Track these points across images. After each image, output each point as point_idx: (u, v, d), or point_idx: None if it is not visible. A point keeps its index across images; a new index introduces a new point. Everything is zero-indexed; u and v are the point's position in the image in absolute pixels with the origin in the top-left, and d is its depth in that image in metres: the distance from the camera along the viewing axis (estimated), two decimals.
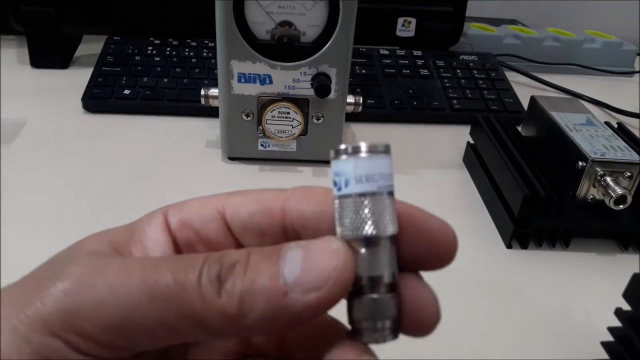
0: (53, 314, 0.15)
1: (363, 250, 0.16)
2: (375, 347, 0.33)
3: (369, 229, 0.16)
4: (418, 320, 0.17)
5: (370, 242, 0.16)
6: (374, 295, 0.16)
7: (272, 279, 0.15)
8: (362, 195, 0.16)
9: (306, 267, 0.16)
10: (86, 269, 0.16)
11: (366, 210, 0.16)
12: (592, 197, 0.41)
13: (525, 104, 0.56)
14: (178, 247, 0.19)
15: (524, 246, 0.42)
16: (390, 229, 0.16)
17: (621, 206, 0.40)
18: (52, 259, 0.18)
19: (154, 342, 0.16)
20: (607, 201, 0.40)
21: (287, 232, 0.19)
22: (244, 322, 0.15)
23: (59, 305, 0.15)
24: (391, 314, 0.17)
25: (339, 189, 0.16)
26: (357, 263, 0.16)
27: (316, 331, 0.20)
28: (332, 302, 0.16)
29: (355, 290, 0.16)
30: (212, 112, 0.50)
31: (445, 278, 0.38)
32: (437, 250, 0.18)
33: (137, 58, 0.63)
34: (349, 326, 0.17)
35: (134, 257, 0.18)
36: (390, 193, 0.17)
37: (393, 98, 0.61)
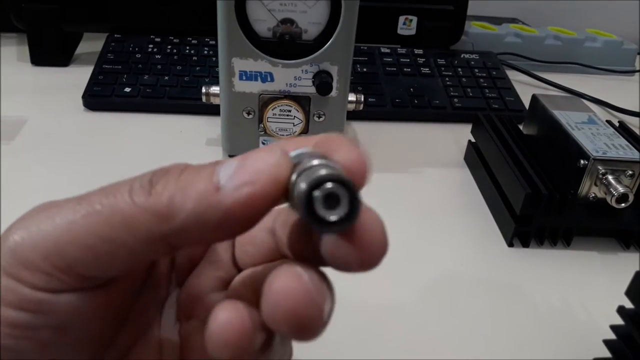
0: (4, 253, 0.16)
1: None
2: (373, 346, 0.33)
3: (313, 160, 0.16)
4: (361, 249, 0.15)
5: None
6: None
7: (206, 178, 0.15)
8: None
9: (240, 166, 0.15)
10: (36, 209, 0.17)
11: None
12: (593, 195, 0.41)
13: (526, 102, 0.56)
14: None
15: (525, 245, 0.42)
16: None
17: (623, 204, 0.40)
18: None
19: (98, 262, 0.16)
20: (608, 199, 0.40)
21: None
22: (174, 221, 0.15)
23: (8, 243, 0.16)
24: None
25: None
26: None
27: None
28: (266, 199, 0.15)
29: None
30: (213, 110, 0.50)
31: (446, 277, 0.38)
32: (361, 249, 0.16)
33: (138, 56, 0.62)
34: None
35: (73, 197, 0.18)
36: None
37: (394, 96, 0.61)
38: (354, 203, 0.15)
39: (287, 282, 0.15)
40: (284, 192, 0.16)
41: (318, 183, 0.15)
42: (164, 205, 0.15)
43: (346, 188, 0.15)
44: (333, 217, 0.15)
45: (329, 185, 0.15)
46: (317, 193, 0.15)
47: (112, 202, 0.16)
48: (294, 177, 0.16)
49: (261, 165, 0.15)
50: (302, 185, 0.15)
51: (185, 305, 0.21)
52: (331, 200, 0.15)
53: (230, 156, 0.49)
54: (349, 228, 0.15)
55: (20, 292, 0.15)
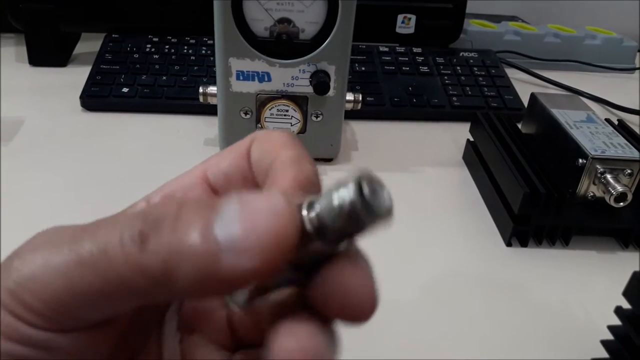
0: (5, 292, 0.15)
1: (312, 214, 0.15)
2: (372, 345, 0.33)
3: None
4: (349, 307, 0.15)
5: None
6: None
7: (203, 237, 0.14)
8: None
9: (243, 227, 0.14)
10: (33, 243, 0.16)
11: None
12: (592, 194, 0.41)
13: (525, 101, 0.56)
14: None
15: (523, 244, 0.41)
16: None
17: (621, 204, 0.39)
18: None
19: (97, 311, 0.15)
20: (607, 199, 0.40)
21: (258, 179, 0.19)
22: (172, 286, 0.14)
23: (6, 282, 0.15)
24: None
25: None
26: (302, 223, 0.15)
27: None
28: (273, 266, 0.14)
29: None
30: (210, 110, 0.49)
31: (444, 276, 0.38)
32: (349, 308, 0.15)
33: (136, 56, 0.62)
34: None
35: (72, 226, 0.17)
36: None
37: (392, 95, 0.61)
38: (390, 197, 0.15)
39: (302, 343, 0.15)
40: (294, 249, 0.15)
41: (360, 179, 0.14)
42: (158, 269, 0.14)
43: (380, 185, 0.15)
44: (386, 204, 0.14)
45: (367, 181, 0.14)
46: (365, 184, 0.14)
47: (104, 254, 0.15)
48: (304, 211, 0.15)
49: (264, 231, 0.14)
50: (345, 187, 0.14)
51: (187, 317, 0.21)
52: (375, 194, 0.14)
53: None
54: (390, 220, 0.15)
55: (21, 330, 0.15)
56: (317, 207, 0.15)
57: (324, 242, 0.15)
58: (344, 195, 0.14)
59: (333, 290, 0.15)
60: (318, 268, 0.15)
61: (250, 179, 0.19)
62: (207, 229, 0.14)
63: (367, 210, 0.14)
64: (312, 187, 0.17)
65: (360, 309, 0.15)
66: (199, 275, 0.14)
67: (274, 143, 0.18)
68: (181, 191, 0.19)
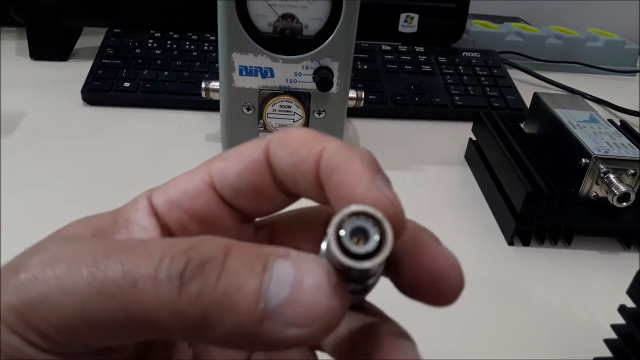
0: (9, 309, 0.14)
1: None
2: None
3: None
4: (438, 288, 0.16)
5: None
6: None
7: (251, 300, 0.13)
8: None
9: (294, 297, 0.13)
10: (42, 257, 0.14)
11: None
12: (595, 194, 0.41)
13: (527, 101, 0.56)
14: (170, 231, 0.18)
15: (525, 243, 0.41)
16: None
17: (624, 204, 0.39)
18: (33, 245, 0.16)
19: (113, 339, 0.14)
20: (610, 199, 0.39)
21: (280, 184, 0.17)
22: (205, 335, 0.13)
23: (14, 300, 0.14)
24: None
25: None
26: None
27: None
28: (316, 341, 0.14)
29: None
30: (212, 106, 0.49)
31: None
32: (438, 288, 0.16)
33: (138, 51, 0.62)
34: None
35: (89, 242, 0.16)
36: None
37: (395, 94, 0.61)
38: (384, 235, 0.14)
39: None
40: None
41: (343, 219, 0.14)
42: (196, 317, 0.13)
43: (375, 221, 0.14)
44: (360, 250, 0.13)
45: (355, 219, 0.14)
46: (344, 228, 0.14)
47: (132, 288, 0.13)
48: (323, 245, 0.14)
49: (317, 308, 0.13)
50: (326, 241, 0.14)
51: None
52: (360, 235, 0.14)
53: None
54: (382, 263, 0.14)
55: (23, 351, 0.14)
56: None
57: (357, 283, 0.15)
58: (331, 250, 0.14)
59: (426, 274, 0.15)
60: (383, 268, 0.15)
61: (264, 190, 0.17)
62: (258, 292, 0.13)
63: (355, 261, 0.13)
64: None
65: (453, 289, 0.16)
66: (238, 333, 0.13)
67: (309, 141, 0.16)
68: (187, 199, 0.18)
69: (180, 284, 0.13)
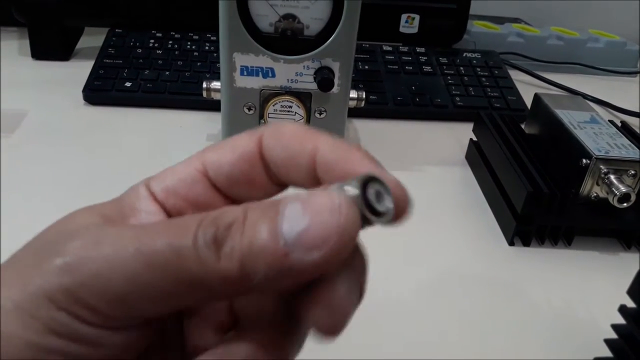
0: (55, 289, 0.15)
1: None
2: (372, 345, 0.33)
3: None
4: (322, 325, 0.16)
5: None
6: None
7: (272, 239, 0.15)
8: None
9: (307, 227, 0.15)
10: (83, 242, 0.16)
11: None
12: (595, 195, 0.41)
13: (528, 102, 0.56)
14: (170, 217, 0.19)
15: (526, 244, 0.41)
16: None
17: (625, 204, 0.39)
18: (43, 233, 0.17)
19: (160, 309, 0.16)
20: (610, 199, 0.39)
21: (272, 175, 0.18)
22: (248, 284, 0.15)
23: (61, 280, 0.15)
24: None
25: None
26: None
27: None
28: (340, 257, 0.15)
29: None
30: (213, 106, 0.49)
31: (447, 276, 0.38)
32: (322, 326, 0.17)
33: (139, 51, 0.62)
34: None
35: (128, 226, 0.17)
36: None
37: (396, 94, 0.61)
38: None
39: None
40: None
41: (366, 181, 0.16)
42: (235, 273, 0.15)
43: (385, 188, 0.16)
44: (384, 208, 0.16)
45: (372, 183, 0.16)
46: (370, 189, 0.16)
47: (178, 257, 0.15)
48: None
49: (328, 227, 0.15)
50: (351, 184, 0.16)
51: None
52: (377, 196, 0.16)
53: None
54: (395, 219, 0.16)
55: (74, 327, 0.15)
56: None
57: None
58: (350, 190, 0.15)
59: (319, 305, 0.16)
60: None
61: (256, 180, 0.19)
62: (274, 229, 0.15)
63: (367, 209, 0.15)
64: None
65: (331, 330, 0.16)
66: (273, 273, 0.15)
67: (302, 136, 0.18)
68: (183, 187, 0.19)
69: (216, 247, 0.15)
